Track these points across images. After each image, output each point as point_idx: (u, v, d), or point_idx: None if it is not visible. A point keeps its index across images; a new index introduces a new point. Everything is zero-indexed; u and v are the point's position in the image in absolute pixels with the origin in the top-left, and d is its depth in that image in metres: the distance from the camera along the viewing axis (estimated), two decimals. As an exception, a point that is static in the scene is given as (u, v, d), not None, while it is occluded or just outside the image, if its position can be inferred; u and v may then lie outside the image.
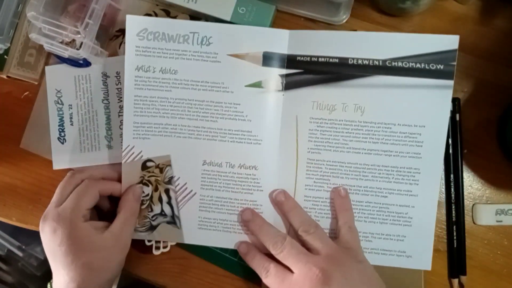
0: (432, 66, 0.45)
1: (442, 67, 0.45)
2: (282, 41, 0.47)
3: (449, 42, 0.44)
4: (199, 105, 0.48)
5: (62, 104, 0.53)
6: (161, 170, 0.49)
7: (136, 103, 0.48)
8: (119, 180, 0.49)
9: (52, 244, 0.44)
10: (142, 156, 0.49)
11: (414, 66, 0.45)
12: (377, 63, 0.45)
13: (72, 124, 0.53)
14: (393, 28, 0.51)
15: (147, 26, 0.48)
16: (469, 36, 0.50)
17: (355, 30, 0.50)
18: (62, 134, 0.53)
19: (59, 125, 0.53)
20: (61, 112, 0.53)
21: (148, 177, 0.49)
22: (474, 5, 0.51)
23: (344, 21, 0.51)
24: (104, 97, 0.52)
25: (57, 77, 0.53)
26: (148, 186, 0.49)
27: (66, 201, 0.45)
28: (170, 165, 0.49)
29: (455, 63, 0.44)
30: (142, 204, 0.49)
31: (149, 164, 0.49)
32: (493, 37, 0.50)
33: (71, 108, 0.53)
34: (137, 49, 0.48)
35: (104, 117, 0.52)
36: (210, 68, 0.48)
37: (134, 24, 0.48)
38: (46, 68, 0.53)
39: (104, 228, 0.46)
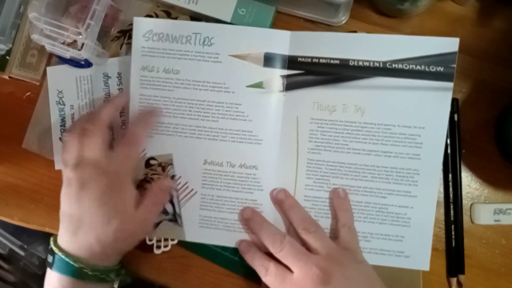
0: (432, 68, 0.45)
1: (442, 69, 0.45)
2: (284, 42, 0.47)
3: (450, 44, 0.45)
4: (200, 105, 0.48)
5: (64, 105, 0.53)
6: (163, 169, 0.49)
7: (141, 102, 0.49)
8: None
9: (83, 196, 0.43)
10: (145, 154, 0.49)
11: (415, 68, 0.45)
12: (377, 64, 0.46)
13: None
14: (392, 29, 0.51)
15: (152, 27, 0.49)
16: (468, 37, 0.50)
17: (355, 31, 0.50)
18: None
19: (61, 125, 0.53)
20: (62, 113, 0.53)
21: (151, 175, 0.50)
22: (472, 6, 0.51)
23: (343, 22, 0.51)
24: (105, 97, 0.53)
25: (58, 78, 0.53)
26: (151, 183, 0.49)
27: (104, 151, 0.44)
28: (172, 164, 0.49)
29: (455, 66, 0.45)
30: None
31: (152, 162, 0.50)
32: (491, 38, 0.51)
33: (73, 109, 0.53)
34: (143, 49, 0.49)
35: None
36: (211, 68, 0.48)
37: (140, 25, 0.49)
38: (48, 68, 0.53)
39: (136, 200, 0.45)
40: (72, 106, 0.53)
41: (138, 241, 0.47)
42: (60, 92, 0.53)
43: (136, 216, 0.45)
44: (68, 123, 0.53)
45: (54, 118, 0.53)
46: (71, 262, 0.43)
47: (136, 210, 0.45)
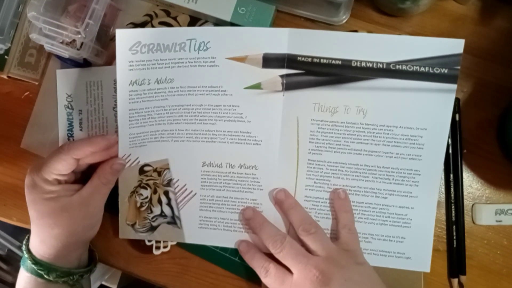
0: (437, 70, 0.44)
1: (446, 71, 0.44)
2: (282, 40, 0.46)
3: (454, 46, 0.44)
4: (197, 109, 0.47)
5: (72, 109, 0.53)
6: (159, 174, 0.49)
7: (132, 116, 0.47)
8: (108, 148, 0.47)
9: (30, 209, 0.45)
10: (139, 161, 0.49)
11: (419, 70, 0.44)
12: (381, 66, 0.45)
13: (81, 130, 0.53)
14: (393, 28, 0.51)
15: (140, 39, 0.46)
16: (469, 36, 0.50)
17: (356, 31, 0.50)
18: (71, 139, 0.53)
19: (68, 130, 0.53)
20: (70, 117, 0.53)
21: (146, 180, 0.49)
22: (473, 5, 0.51)
23: (344, 21, 0.51)
24: (115, 104, 0.51)
25: (68, 81, 0.53)
26: (146, 189, 0.49)
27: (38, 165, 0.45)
28: (168, 168, 0.49)
29: (459, 67, 0.44)
30: (141, 206, 0.49)
31: (146, 168, 0.49)
32: (492, 37, 0.51)
33: (81, 114, 0.53)
34: (130, 64, 0.47)
35: (114, 125, 0.52)
36: (207, 72, 0.47)
37: (125, 38, 0.47)
38: (57, 71, 0.53)
39: (76, 190, 0.46)
40: (81, 111, 0.53)
41: (84, 230, 0.46)
42: (69, 96, 0.53)
43: (71, 200, 0.45)
44: (76, 128, 0.53)
45: (62, 121, 0.53)
46: (29, 260, 0.45)
47: (70, 196, 0.45)
